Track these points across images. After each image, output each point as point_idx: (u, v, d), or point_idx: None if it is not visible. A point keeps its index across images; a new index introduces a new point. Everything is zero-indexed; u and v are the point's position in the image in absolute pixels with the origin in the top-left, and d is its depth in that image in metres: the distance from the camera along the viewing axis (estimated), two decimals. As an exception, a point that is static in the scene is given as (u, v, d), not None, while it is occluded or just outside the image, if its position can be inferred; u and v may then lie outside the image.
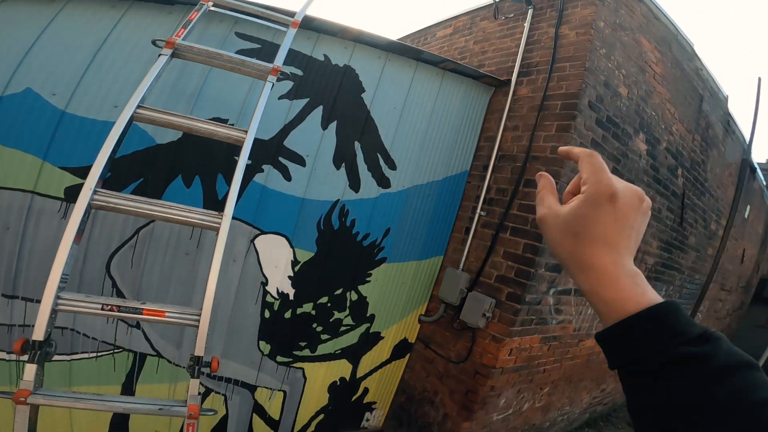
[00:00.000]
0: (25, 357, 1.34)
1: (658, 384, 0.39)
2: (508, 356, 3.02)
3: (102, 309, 1.47)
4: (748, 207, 6.39)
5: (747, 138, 5.66)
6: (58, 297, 1.41)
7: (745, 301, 9.13)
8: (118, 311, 1.50)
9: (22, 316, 2.12)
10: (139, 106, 1.75)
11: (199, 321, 1.61)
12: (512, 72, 3.39)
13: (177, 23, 2.34)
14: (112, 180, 2.18)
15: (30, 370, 1.34)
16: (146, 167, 2.31)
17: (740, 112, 5.28)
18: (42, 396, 1.37)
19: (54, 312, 1.41)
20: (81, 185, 1.71)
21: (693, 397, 0.37)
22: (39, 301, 1.40)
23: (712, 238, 5.45)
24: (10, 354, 2.11)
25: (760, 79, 5.73)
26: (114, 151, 1.65)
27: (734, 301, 8.13)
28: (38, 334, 1.36)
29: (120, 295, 2.35)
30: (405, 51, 3.10)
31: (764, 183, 7.24)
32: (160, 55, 1.91)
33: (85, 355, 2.35)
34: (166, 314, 1.60)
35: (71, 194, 2.11)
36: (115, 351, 2.43)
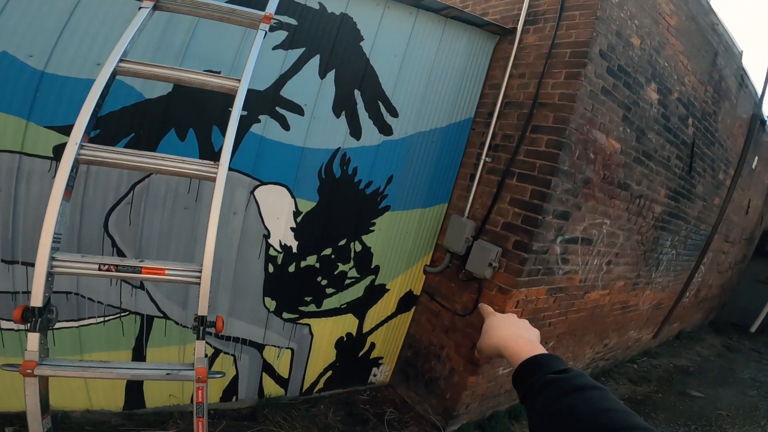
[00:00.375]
0: (27, 326, 1.29)
1: (538, 398, 0.61)
2: (515, 309, 3.04)
3: (99, 269, 1.41)
4: (756, 158, 6.31)
5: (759, 92, 5.52)
6: (52, 258, 1.35)
7: (747, 254, 9.21)
8: (116, 271, 1.44)
9: (25, 282, 2.11)
10: (121, 60, 1.63)
11: (200, 278, 1.54)
12: (518, 20, 3.24)
13: None
14: (100, 137, 2.10)
15: (33, 339, 1.29)
16: (136, 122, 2.22)
17: (754, 68, 5.14)
18: (49, 367, 1.32)
19: (50, 275, 1.36)
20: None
21: (557, 405, 0.58)
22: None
23: (720, 187, 5.41)
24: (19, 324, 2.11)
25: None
26: (98, 105, 1.55)
27: (737, 254, 8.21)
28: (36, 300, 1.31)
29: (120, 254, 2.32)
30: (405, -3, 2.93)
31: (774, 133, 7.11)
32: (140, 8, 1.76)
33: (93, 321, 2.36)
34: (166, 272, 1.54)
35: (60, 152, 2.02)
36: (122, 314, 2.44)
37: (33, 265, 2.02)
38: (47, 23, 1.98)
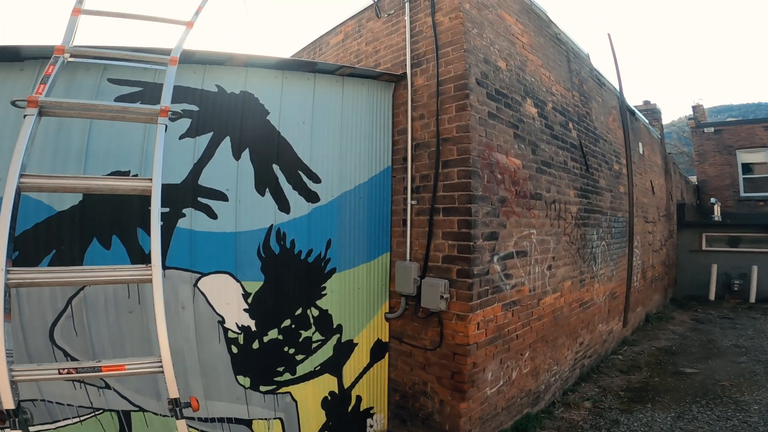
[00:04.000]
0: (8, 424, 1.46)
1: None
2: (477, 331, 3.34)
3: (59, 373, 1.54)
4: (640, 144, 7.62)
5: (617, 87, 6.84)
6: (10, 369, 1.50)
7: (671, 228, 10.58)
8: (77, 373, 1.58)
9: None
10: (21, 175, 1.79)
11: (161, 366, 1.71)
12: (405, 65, 3.86)
13: (33, 78, 2.40)
14: (21, 258, 2.19)
15: None
16: (54, 237, 2.34)
17: (604, 66, 6.41)
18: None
19: (13, 383, 1.52)
20: None
21: None
22: None
23: (619, 177, 6.44)
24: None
25: (609, 35, 7.00)
26: (12, 228, 1.71)
27: (662, 231, 9.44)
28: (7, 403, 1.50)
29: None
30: (300, 66, 3.45)
31: (646, 121, 8.68)
32: (25, 116, 1.92)
33: (69, 422, 2.40)
34: (126, 367, 1.69)
35: None
36: (97, 413, 2.47)
37: None
38: None
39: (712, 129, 14.00)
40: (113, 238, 2.50)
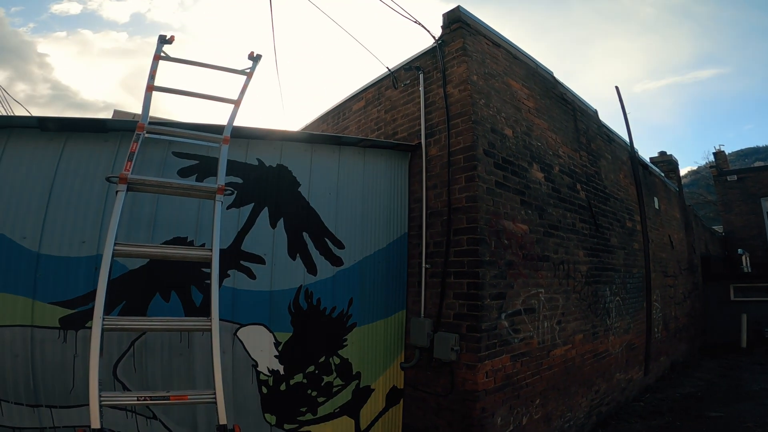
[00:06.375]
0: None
1: None
2: (486, 378, 3.68)
3: (137, 400, 2.06)
4: (656, 198, 7.91)
5: (627, 140, 7.23)
6: (100, 395, 2.05)
7: (696, 281, 10.58)
8: (151, 400, 2.12)
9: (51, 420, 2.65)
10: (116, 244, 2.42)
11: (215, 397, 2.25)
12: (420, 134, 4.36)
13: (115, 149, 3.03)
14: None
15: None
16: (124, 291, 2.91)
17: (612, 120, 6.74)
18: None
19: (101, 407, 2.03)
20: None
21: None
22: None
23: (633, 234, 6.73)
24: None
25: (617, 88, 7.51)
26: (108, 285, 2.29)
27: (685, 284, 9.50)
28: (95, 423, 2.00)
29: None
30: (327, 140, 4.08)
31: (662, 174, 8.98)
32: (117, 191, 2.58)
33: None
34: (188, 397, 2.23)
35: (66, 323, 2.74)
36: None
37: (56, 406, 2.74)
38: (32, 201, 2.74)
39: (735, 177, 14.05)
40: (172, 293, 3.06)
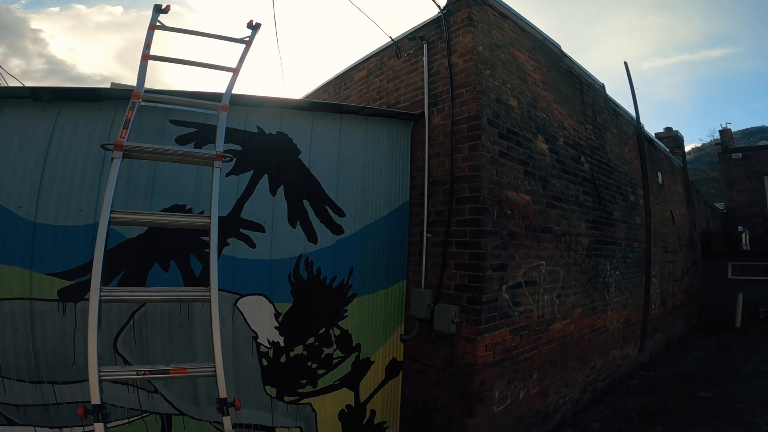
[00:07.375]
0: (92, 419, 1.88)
1: None
2: (485, 352, 3.71)
3: (137, 374, 2.05)
4: (660, 173, 7.86)
5: (634, 115, 7.13)
6: (99, 370, 2.02)
7: (696, 257, 10.64)
8: (151, 374, 2.09)
9: (53, 396, 2.65)
10: (112, 211, 2.36)
11: (215, 371, 2.22)
12: (424, 104, 4.30)
13: (111, 118, 2.97)
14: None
15: (99, 429, 1.85)
16: (122, 261, 2.88)
17: (619, 95, 6.63)
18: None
19: (101, 382, 2.00)
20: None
21: None
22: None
23: (635, 208, 6.71)
24: (52, 429, 2.65)
25: (626, 63, 7.35)
26: (105, 255, 2.24)
27: (684, 260, 9.55)
28: (95, 399, 1.97)
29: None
30: (328, 107, 3.99)
31: (667, 149, 8.90)
32: (113, 159, 2.51)
33: (119, 423, 2.84)
34: (188, 371, 2.21)
35: (65, 295, 2.70)
36: (144, 415, 2.92)
37: (58, 382, 2.72)
38: (27, 169, 2.68)
39: (740, 155, 14.01)
40: (171, 262, 3.03)
